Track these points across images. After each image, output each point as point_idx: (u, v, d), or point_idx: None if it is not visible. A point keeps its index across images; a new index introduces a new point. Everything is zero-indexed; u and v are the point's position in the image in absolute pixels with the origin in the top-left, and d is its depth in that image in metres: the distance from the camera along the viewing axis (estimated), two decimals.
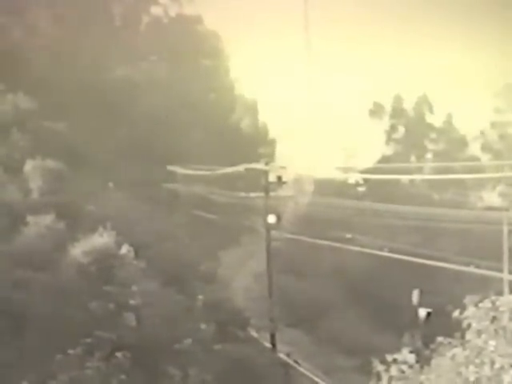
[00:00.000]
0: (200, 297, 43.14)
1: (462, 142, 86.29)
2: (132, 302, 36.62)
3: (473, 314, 19.51)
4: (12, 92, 57.86)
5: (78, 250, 38.23)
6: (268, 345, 46.64)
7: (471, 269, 41.75)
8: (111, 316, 35.25)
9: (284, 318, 50.14)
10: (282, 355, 45.88)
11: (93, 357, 32.66)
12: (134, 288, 37.31)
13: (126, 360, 32.97)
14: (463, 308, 19.73)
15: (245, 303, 51.51)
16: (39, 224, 41.37)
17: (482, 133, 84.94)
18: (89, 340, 32.95)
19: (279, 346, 46.65)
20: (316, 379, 44.61)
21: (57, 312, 34.28)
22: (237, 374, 36.59)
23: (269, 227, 49.12)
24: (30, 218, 41.37)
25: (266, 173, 49.70)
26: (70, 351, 32.41)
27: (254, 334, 47.48)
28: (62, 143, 55.45)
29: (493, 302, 19.58)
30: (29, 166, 49.22)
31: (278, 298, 48.57)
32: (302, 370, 45.21)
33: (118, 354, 32.95)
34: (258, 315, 48.00)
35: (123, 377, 32.58)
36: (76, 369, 32.20)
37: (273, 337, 46.75)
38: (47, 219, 41.83)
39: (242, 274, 60.73)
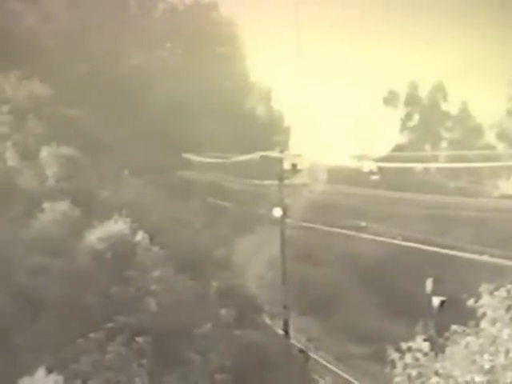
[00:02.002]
0: (214, 283, 43.37)
1: (478, 131, 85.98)
2: (152, 287, 36.87)
3: (488, 302, 19.49)
4: (27, 79, 57.86)
5: (94, 237, 38.44)
6: (281, 332, 46.75)
7: (486, 257, 41.64)
8: (131, 301, 35.47)
9: (297, 306, 50.21)
10: (295, 342, 45.96)
11: (114, 341, 32.92)
12: (152, 274, 37.55)
13: (146, 344, 33.22)
14: (478, 297, 19.72)
15: (258, 290, 51.71)
16: (55, 210, 41.64)
17: (498, 121, 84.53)
18: (110, 324, 33.21)
19: (293, 334, 46.73)
20: (331, 367, 44.73)
21: (76, 297, 34.56)
22: (252, 359, 36.79)
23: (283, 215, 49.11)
24: (46, 205, 41.64)
25: (280, 160, 49.52)
26: (92, 335, 32.74)
27: (267, 320, 47.62)
28: (77, 130, 55.49)
29: (508, 291, 19.55)
30: (45, 152, 49.27)
31: (291, 286, 48.58)
32: (316, 357, 45.31)
33: (139, 339, 33.19)
34: (271, 302, 48.15)
35: (144, 361, 32.86)
36: (97, 353, 32.48)
37: (286, 324, 46.82)
38: (63, 206, 42.09)
39: (255, 262, 60.91)
